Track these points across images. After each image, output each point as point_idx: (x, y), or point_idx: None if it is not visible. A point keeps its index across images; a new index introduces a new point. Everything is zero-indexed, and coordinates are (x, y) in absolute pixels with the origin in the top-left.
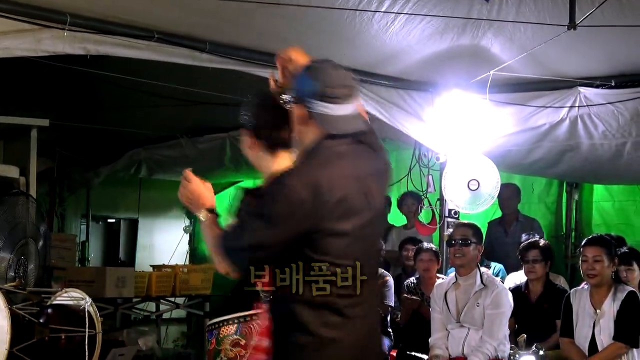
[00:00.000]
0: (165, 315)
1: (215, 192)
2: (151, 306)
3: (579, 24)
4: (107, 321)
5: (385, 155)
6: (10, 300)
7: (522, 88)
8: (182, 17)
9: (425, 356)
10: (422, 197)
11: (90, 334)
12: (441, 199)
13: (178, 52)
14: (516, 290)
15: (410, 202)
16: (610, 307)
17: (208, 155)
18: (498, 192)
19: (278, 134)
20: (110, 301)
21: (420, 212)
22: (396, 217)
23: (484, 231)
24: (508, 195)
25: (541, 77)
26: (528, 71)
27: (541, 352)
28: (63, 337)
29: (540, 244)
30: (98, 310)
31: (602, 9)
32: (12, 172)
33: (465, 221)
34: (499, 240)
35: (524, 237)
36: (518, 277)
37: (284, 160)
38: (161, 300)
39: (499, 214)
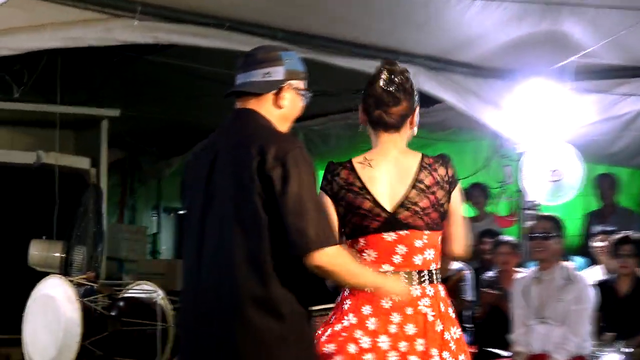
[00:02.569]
0: None
1: None
2: None
3: None
4: None
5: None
6: (82, 293)
7: (605, 75)
8: (253, 4)
9: (505, 353)
10: (500, 189)
11: (163, 328)
12: (520, 191)
13: (249, 41)
14: (604, 285)
15: (477, 193)
16: None
17: None
18: (581, 183)
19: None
20: None
21: (487, 204)
22: (466, 209)
23: (579, 224)
24: (607, 185)
25: (625, 64)
26: (612, 57)
27: (626, 350)
28: (135, 330)
29: (634, 238)
30: (170, 303)
31: None
32: (84, 163)
33: (546, 213)
34: None
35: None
36: (591, 274)
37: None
38: None
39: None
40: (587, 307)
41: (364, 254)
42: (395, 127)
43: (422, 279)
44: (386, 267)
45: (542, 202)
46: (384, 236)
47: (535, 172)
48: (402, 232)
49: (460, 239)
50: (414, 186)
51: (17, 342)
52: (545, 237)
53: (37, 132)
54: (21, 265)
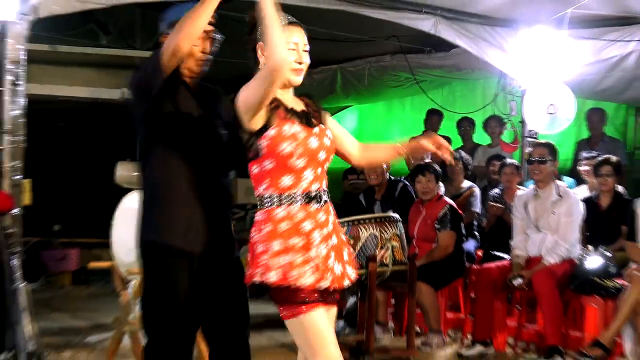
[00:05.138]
0: None
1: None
2: None
3: None
4: (239, 223)
5: None
6: None
7: (596, 24)
8: None
9: (506, 255)
10: (506, 120)
11: None
12: (522, 122)
13: None
14: (588, 200)
15: (494, 124)
16: None
17: (322, 84)
18: (574, 115)
19: None
20: (241, 207)
21: (504, 133)
22: (482, 138)
23: (572, 151)
24: (596, 118)
25: (614, 14)
26: (602, 9)
27: (607, 254)
28: None
29: (612, 160)
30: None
31: None
32: None
33: (543, 141)
34: None
35: (583, 155)
36: (579, 192)
37: None
38: None
39: (573, 135)
40: (575, 218)
41: None
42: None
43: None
44: None
45: (540, 131)
46: None
47: (535, 106)
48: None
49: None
50: None
51: (107, 245)
52: (542, 161)
53: (121, 72)
54: (109, 183)
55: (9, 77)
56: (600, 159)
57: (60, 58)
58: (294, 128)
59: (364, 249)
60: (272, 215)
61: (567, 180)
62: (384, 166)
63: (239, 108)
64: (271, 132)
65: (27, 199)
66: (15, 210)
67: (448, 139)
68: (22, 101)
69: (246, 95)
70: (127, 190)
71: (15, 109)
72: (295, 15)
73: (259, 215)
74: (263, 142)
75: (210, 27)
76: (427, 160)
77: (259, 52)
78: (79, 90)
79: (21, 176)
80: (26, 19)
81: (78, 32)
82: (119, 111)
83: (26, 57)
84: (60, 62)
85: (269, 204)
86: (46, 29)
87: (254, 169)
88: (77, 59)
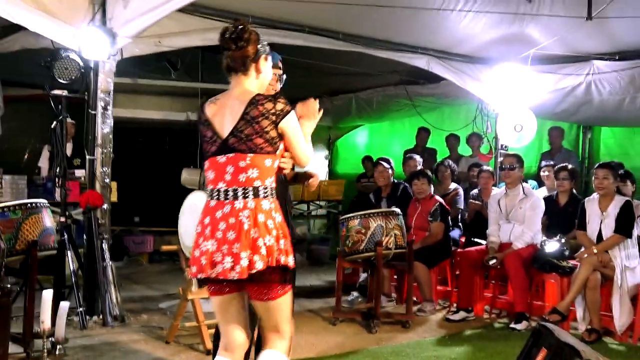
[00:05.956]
0: (313, 213)
1: (344, 133)
2: (303, 206)
3: (594, 16)
4: None
5: None
6: None
7: (553, 61)
8: (323, 15)
9: (483, 241)
10: (483, 136)
11: None
12: (496, 138)
13: (321, 40)
14: (549, 198)
15: (474, 139)
16: (613, 210)
17: (341, 108)
18: (535, 132)
19: None
20: None
21: (481, 146)
22: (465, 150)
23: (535, 160)
24: (556, 134)
25: (566, 53)
26: (557, 49)
27: (563, 240)
28: None
29: (569, 167)
30: None
31: (611, 5)
32: None
33: (512, 152)
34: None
35: (543, 163)
36: (540, 193)
37: None
38: (310, 203)
39: (536, 147)
40: (537, 212)
41: (208, 175)
42: (238, 69)
43: (246, 194)
44: (220, 184)
45: (510, 145)
46: (217, 159)
47: (506, 125)
48: (230, 155)
49: (299, 155)
50: (242, 118)
51: (175, 232)
52: (511, 168)
53: (187, 100)
54: (177, 184)
55: (101, 104)
56: (559, 166)
57: (140, 89)
58: None
59: (373, 236)
60: (277, 205)
61: (532, 182)
62: (389, 172)
63: (288, 120)
64: (281, 139)
65: (114, 197)
66: (105, 206)
67: (435, 151)
68: (110, 122)
69: (298, 137)
70: (189, 190)
71: (105, 128)
72: (320, 55)
73: (267, 204)
74: (281, 145)
75: (280, 71)
76: (420, 167)
77: (262, 62)
78: (154, 113)
79: (109, 179)
80: (114, 59)
81: (153, 68)
82: (184, 129)
83: (114, 88)
84: (140, 92)
85: (273, 195)
86: (129, 66)
87: (268, 161)
88: (153, 90)
